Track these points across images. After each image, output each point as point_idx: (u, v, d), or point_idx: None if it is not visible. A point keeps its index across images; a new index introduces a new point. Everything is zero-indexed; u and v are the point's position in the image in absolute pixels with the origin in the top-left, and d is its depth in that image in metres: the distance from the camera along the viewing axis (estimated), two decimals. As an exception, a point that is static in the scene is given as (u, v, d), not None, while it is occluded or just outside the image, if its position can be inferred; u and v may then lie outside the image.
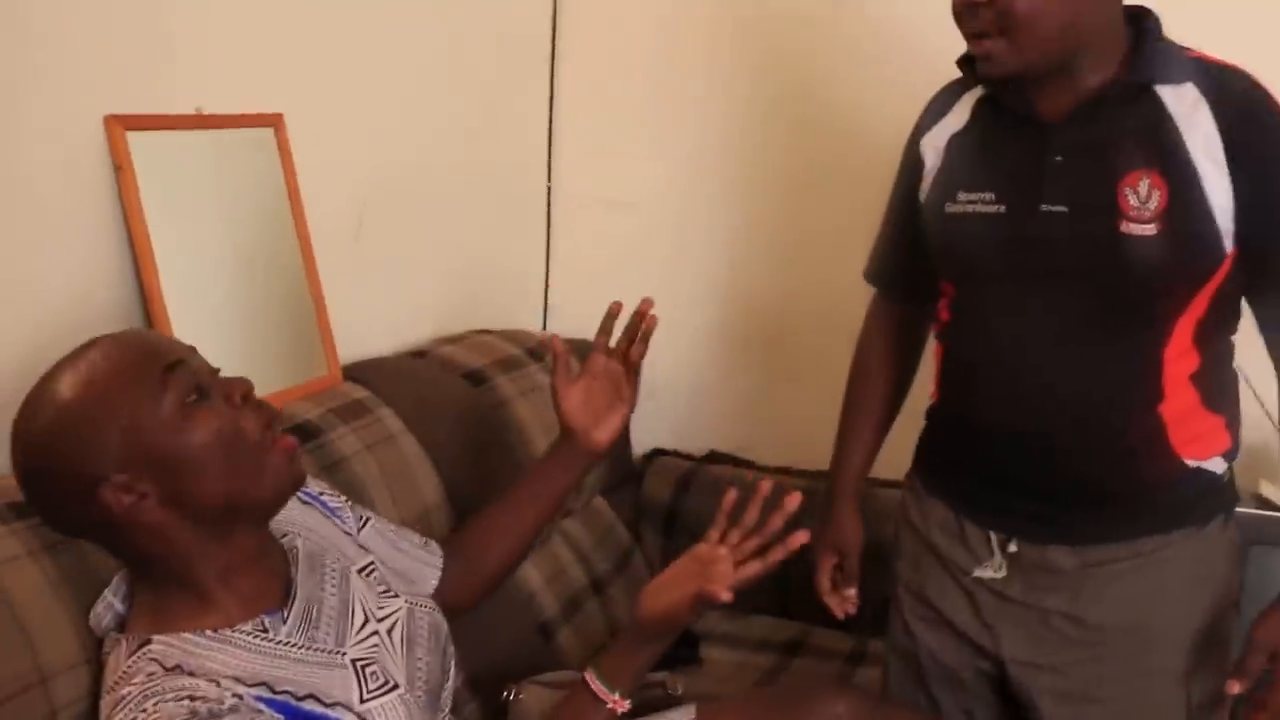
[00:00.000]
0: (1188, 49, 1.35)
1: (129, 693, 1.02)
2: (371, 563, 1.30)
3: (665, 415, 2.45)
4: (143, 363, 1.08)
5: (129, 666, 1.05)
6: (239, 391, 1.12)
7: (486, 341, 2.12)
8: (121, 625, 1.15)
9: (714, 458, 2.42)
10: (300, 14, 1.75)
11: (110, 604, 1.16)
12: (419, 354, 2.00)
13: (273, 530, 1.21)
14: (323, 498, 1.34)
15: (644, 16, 2.38)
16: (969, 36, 1.32)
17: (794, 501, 1.28)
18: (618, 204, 2.46)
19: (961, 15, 1.31)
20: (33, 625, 1.13)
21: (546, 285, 2.51)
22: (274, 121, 1.71)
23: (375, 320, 1.99)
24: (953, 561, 1.50)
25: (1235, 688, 1.31)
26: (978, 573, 1.47)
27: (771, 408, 2.44)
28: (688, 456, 2.43)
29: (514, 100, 2.39)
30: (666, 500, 2.32)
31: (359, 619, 1.20)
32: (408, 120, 2.04)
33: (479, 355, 2.03)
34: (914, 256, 1.52)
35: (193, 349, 1.14)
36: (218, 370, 1.14)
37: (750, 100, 2.33)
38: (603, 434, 1.47)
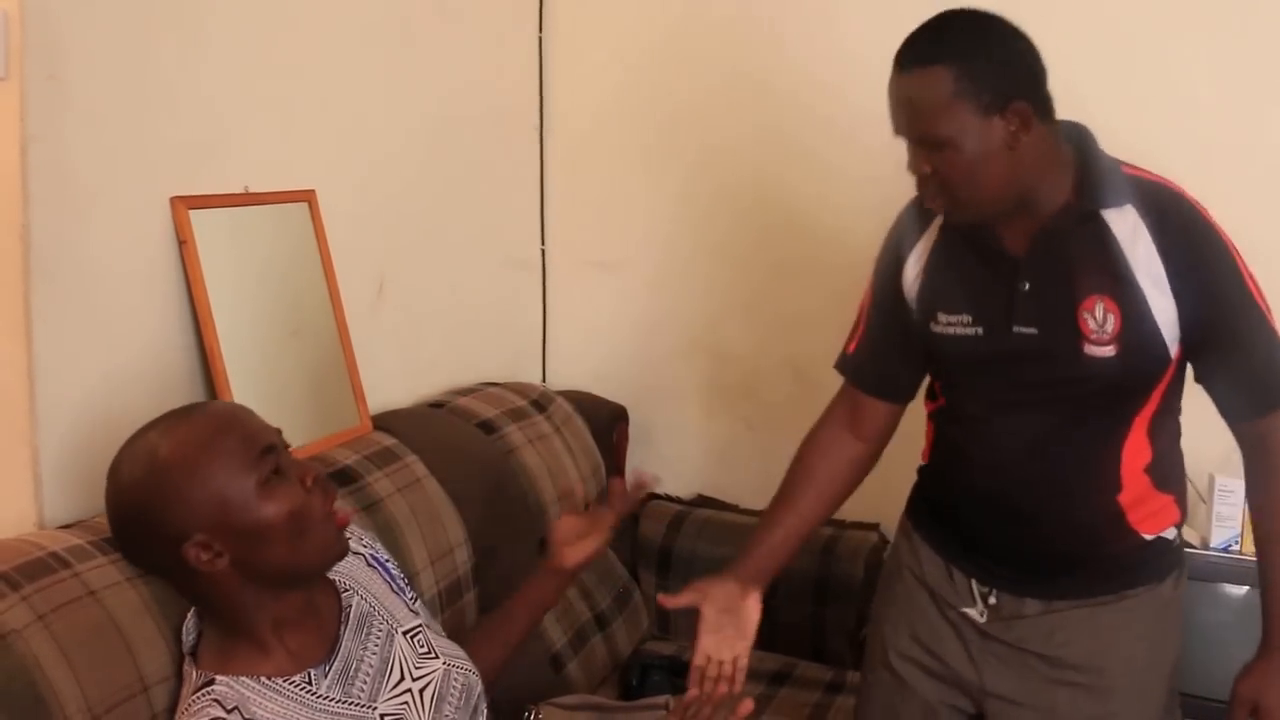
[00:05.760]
0: (1123, 164, 1.46)
1: None
2: (419, 626, 1.43)
3: (657, 461, 2.59)
4: (239, 444, 1.20)
5: (193, 702, 1.19)
6: (310, 475, 1.25)
7: (496, 393, 2.27)
8: (194, 650, 1.28)
9: (701, 501, 2.58)
10: (327, 102, 1.94)
11: (195, 623, 1.29)
12: (437, 405, 2.15)
13: (337, 585, 1.35)
14: (388, 564, 1.48)
15: (625, 88, 2.56)
16: (921, 194, 1.45)
17: (746, 708, 1.35)
18: (604, 265, 2.62)
19: (915, 178, 1.44)
20: (134, 642, 1.29)
21: (544, 340, 2.67)
22: (308, 197, 1.88)
23: (395, 373, 2.14)
24: (942, 597, 1.61)
25: None
26: (963, 609, 1.58)
27: (749, 453, 2.57)
28: (678, 500, 2.57)
29: (507, 170, 2.56)
30: (660, 541, 2.46)
31: (395, 677, 1.34)
32: (417, 192, 2.21)
33: (490, 406, 2.19)
34: (890, 358, 1.61)
35: (279, 430, 1.27)
36: (279, 430, 1.27)
37: (721, 171, 2.50)
38: (572, 555, 1.53)
